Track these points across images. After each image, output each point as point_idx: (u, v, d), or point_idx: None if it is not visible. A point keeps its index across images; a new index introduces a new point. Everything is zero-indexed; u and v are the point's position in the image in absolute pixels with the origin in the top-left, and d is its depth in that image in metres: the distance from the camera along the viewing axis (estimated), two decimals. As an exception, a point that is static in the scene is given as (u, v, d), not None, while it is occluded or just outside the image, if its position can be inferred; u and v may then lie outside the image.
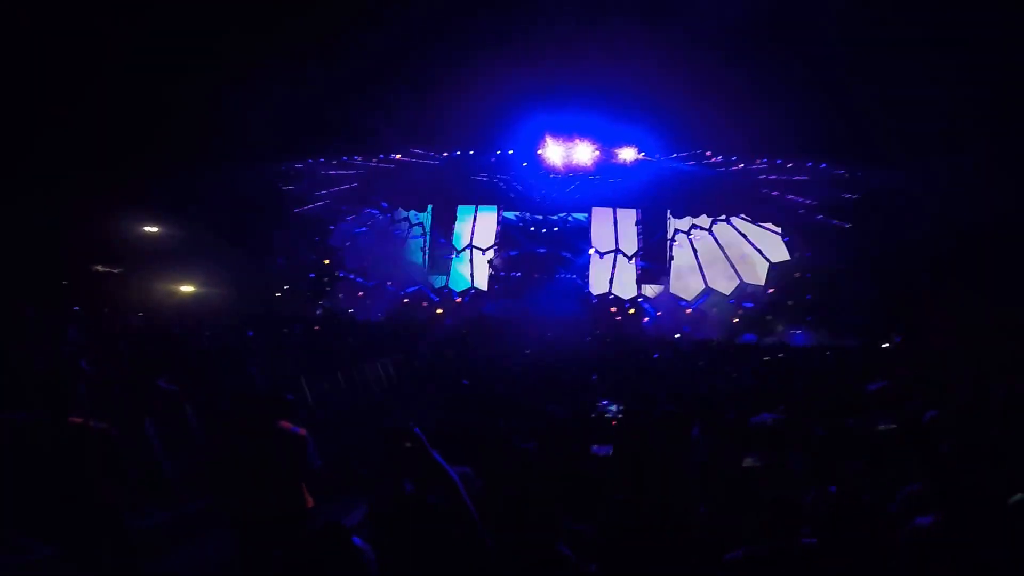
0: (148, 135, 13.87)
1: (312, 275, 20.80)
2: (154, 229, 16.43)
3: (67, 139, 12.77)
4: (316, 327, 12.93)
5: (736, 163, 19.34)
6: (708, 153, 19.21)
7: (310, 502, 3.32)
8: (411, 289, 20.51)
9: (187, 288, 17.04)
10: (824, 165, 18.63)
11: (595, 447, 3.34)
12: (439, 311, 19.53)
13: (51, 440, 3.11)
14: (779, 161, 18.96)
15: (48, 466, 3.10)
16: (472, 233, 21.55)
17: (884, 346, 13.05)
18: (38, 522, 3.25)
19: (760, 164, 19.22)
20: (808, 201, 18.76)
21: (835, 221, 18.22)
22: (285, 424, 3.27)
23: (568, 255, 21.07)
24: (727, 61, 14.56)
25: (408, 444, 2.12)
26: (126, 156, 13.79)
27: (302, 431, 3.30)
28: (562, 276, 20.87)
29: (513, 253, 21.23)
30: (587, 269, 20.96)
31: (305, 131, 16.91)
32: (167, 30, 12.46)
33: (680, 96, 15.74)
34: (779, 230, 19.59)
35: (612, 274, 20.94)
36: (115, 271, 15.80)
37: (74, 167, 13.07)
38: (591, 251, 21.00)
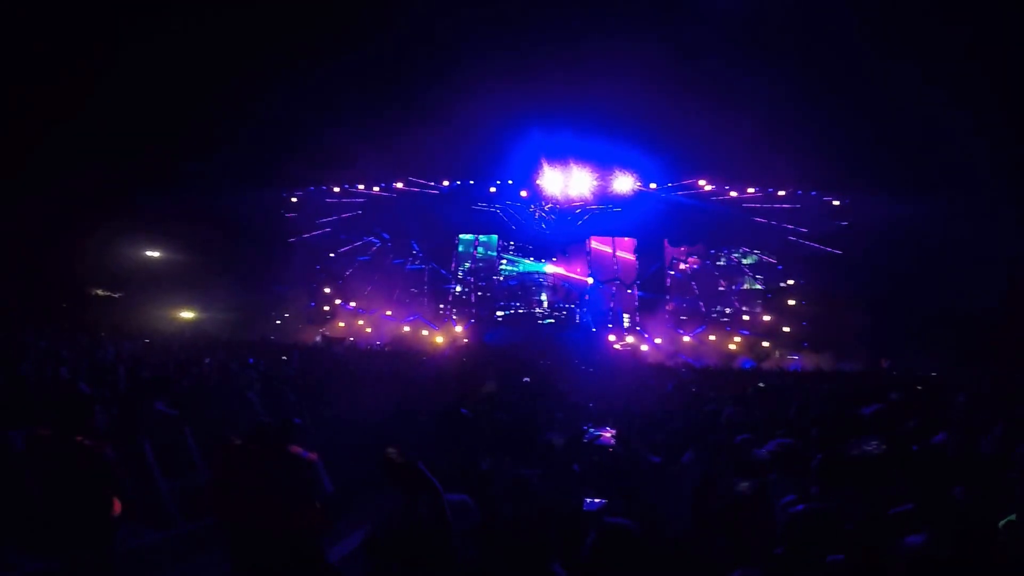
0: (149, 161, 14.10)
1: (312, 303, 20.88)
2: (155, 254, 16.57)
3: (67, 164, 12.97)
4: (315, 354, 12.93)
5: (729, 191, 19.75)
6: (703, 182, 19.62)
7: (320, 523, 3.33)
8: (411, 318, 20.57)
9: (187, 313, 17.08)
10: (814, 193, 19.06)
11: (587, 501, 3.35)
12: (439, 339, 19.54)
13: (52, 457, 3.16)
14: (771, 190, 19.37)
15: (47, 482, 3.13)
16: (472, 261, 21.77)
17: (876, 370, 13.06)
18: (32, 537, 3.26)
19: (754, 193, 19.61)
20: (801, 229, 19.10)
21: (827, 248, 18.55)
22: (296, 449, 3.30)
23: (567, 284, 21.24)
24: (721, 92, 15.00)
25: (393, 453, 2.18)
26: (127, 182, 13.99)
27: (312, 455, 3.33)
28: (561, 305, 20.98)
29: (513, 283, 21.39)
30: (586, 297, 21.09)
31: (306, 159, 17.23)
32: (171, 58, 12.78)
33: (676, 127, 16.15)
34: (774, 259, 19.86)
35: (611, 302, 21.08)
36: (115, 295, 15.86)
37: (75, 192, 13.23)
38: (590, 279, 21.17)
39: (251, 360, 7.39)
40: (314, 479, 3.25)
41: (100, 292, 15.67)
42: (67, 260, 13.70)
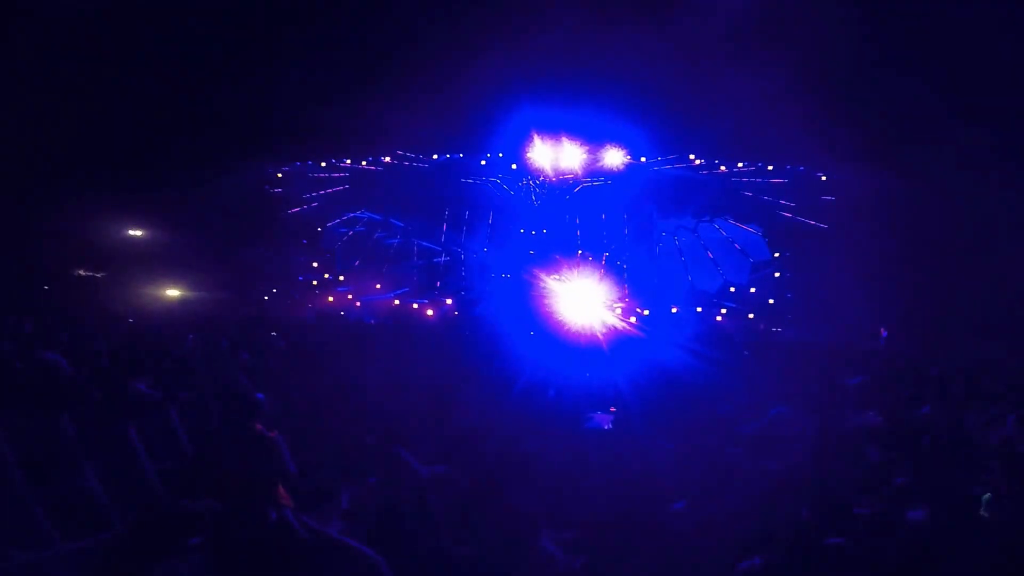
0: (132, 136, 13.65)
1: (301, 278, 20.61)
2: (138, 232, 16.16)
3: (46, 143, 12.51)
4: (305, 330, 12.80)
5: (718, 165, 19.63)
6: (692, 156, 19.48)
7: (288, 503, 3.29)
8: (401, 291, 20.42)
9: (173, 291, 16.78)
10: (803, 168, 19.05)
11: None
12: (429, 313, 19.46)
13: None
14: (760, 164, 19.31)
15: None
16: (462, 234, 21.53)
17: (867, 341, 13.32)
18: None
19: (743, 167, 19.53)
20: (788, 203, 19.12)
21: (813, 222, 18.64)
22: (259, 427, 3.29)
23: (558, 256, 21.14)
24: (710, 66, 14.77)
25: (370, 439, 2.13)
26: (108, 159, 13.55)
27: (273, 434, 3.32)
28: (552, 278, 20.92)
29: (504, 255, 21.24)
30: (576, 269, 21.06)
31: (293, 133, 16.75)
32: (154, 32, 12.27)
33: (667, 100, 15.92)
34: (760, 231, 19.93)
35: (601, 275, 21.07)
36: (97, 275, 15.52)
37: (54, 171, 12.81)
38: (579, 252, 21.09)
39: (224, 343, 7.24)
40: (276, 458, 3.23)
41: (82, 272, 15.30)
42: (47, 240, 13.32)
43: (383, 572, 1.49)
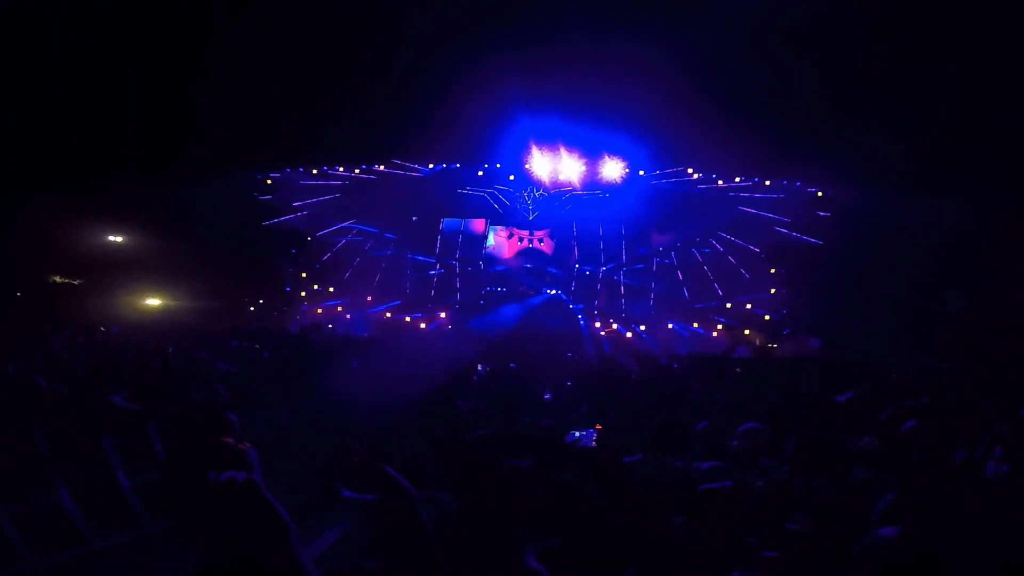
0: (111, 140, 13.42)
1: (288, 288, 20.35)
2: (118, 238, 15.86)
3: (25, 145, 12.31)
4: (292, 342, 12.61)
5: (715, 180, 19.74)
6: (690, 170, 19.57)
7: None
8: (392, 304, 20.25)
9: (154, 301, 16.45)
10: (799, 184, 19.19)
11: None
12: (422, 326, 19.31)
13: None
14: (757, 179, 19.42)
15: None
16: (458, 246, 21.45)
17: (858, 357, 13.31)
18: None
19: (740, 183, 19.63)
20: (784, 219, 19.23)
21: (808, 238, 18.75)
22: (229, 440, 3.28)
23: (554, 270, 21.10)
24: (710, 81, 14.92)
25: (355, 460, 2.06)
26: (88, 161, 13.30)
27: (244, 446, 3.30)
28: (548, 291, 20.87)
29: (499, 268, 21.16)
30: (572, 284, 21.01)
31: (283, 140, 16.61)
32: (138, 34, 12.15)
33: (664, 115, 16.00)
34: (757, 248, 19.98)
35: (598, 289, 21.02)
36: (75, 283, 15.17)
37: (30, 172, 12.57)
38: (576, 266, 21.07)
39: (204, 355, 7.09)
40: (247, 470, 3.18)
41: (59, 279, 14.98)
42: (21, 244, 13.00)
43: None
